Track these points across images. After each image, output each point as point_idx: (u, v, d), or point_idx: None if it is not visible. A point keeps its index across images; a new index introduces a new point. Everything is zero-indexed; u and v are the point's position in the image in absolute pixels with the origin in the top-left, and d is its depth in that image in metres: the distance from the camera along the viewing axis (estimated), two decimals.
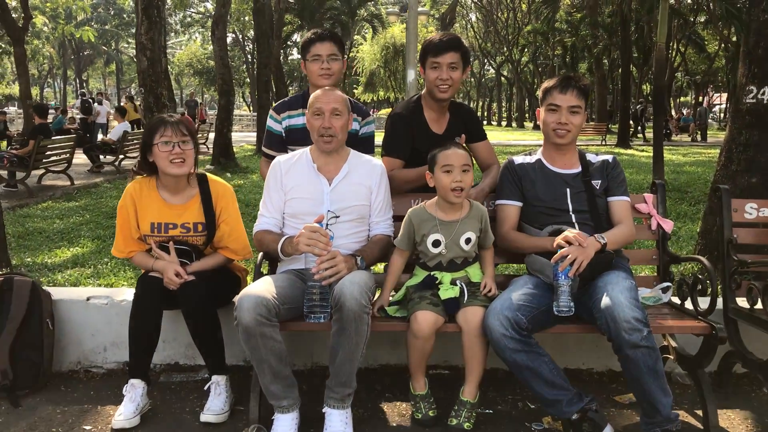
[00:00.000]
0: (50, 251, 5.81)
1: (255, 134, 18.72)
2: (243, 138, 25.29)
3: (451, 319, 2.58)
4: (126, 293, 3.30)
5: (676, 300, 2.91)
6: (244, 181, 11.07)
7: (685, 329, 2.66)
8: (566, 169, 2.82)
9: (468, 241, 2.68)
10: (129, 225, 2.87)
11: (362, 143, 3.28)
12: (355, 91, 38.57)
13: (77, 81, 61.21)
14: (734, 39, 30.67)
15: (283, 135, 3.28)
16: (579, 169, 2.82)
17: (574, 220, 2.73)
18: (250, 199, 8.47)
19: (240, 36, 48.09)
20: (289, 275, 2.67)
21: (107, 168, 12.91)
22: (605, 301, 2.35)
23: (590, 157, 2.88)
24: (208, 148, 17.89)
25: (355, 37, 36.15)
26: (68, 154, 10.83)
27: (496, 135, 28.37)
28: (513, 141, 24.97)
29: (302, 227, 2.52)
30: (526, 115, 52.42)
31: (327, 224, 2.58)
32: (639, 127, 26.54)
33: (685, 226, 6.79)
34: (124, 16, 54.07)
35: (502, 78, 51.69)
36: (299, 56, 3.55)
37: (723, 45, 34.48)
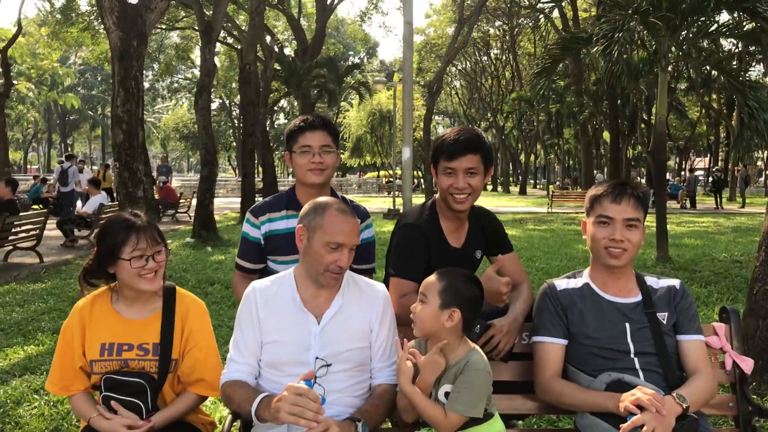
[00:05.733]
0: (1, 351, 5.17)
1: (239, 200, 18.30)
2: (227, 204, 24.76)
3: None
4: None
5: None
6: (225, 257, 10.35)
7: None
8: (622, 298, 2.23)
9: (447, 395, 2.00)
10: (71, 351, 2.28)
11: (362, 251, 2.71)
12: (342, 156, 38.52)
13: (62, 145, 60.92)
14: (715, 105, 31.19)
15: (262, 243, 2.73)
16: (639, 297, 2.23)
17: (637, 366, 2.12)
18: (229, 279, 7.76)
19: (227, 101, 48.28)
20: None
21: (81, 242, 12.22)
22: None
23: (650, 281, 2.29)
24: (190, 217, 17.36)
25: (342, 103, 36.35)
26: (38, 230, 10.16)
27: (482, 200, 28.02)
28: (502, 208, 24.64)
29: (284, 388, 1.87)
30: (511, 179, 52.70)
31: (316, 378, 1.95)
32: (718, 197, 24.91)
33: (700, 312, 6.20)
34: (111, 81, 54.61)
35: None
36: (286, 121, 2.98)
37: (704, 111, 35.04)
